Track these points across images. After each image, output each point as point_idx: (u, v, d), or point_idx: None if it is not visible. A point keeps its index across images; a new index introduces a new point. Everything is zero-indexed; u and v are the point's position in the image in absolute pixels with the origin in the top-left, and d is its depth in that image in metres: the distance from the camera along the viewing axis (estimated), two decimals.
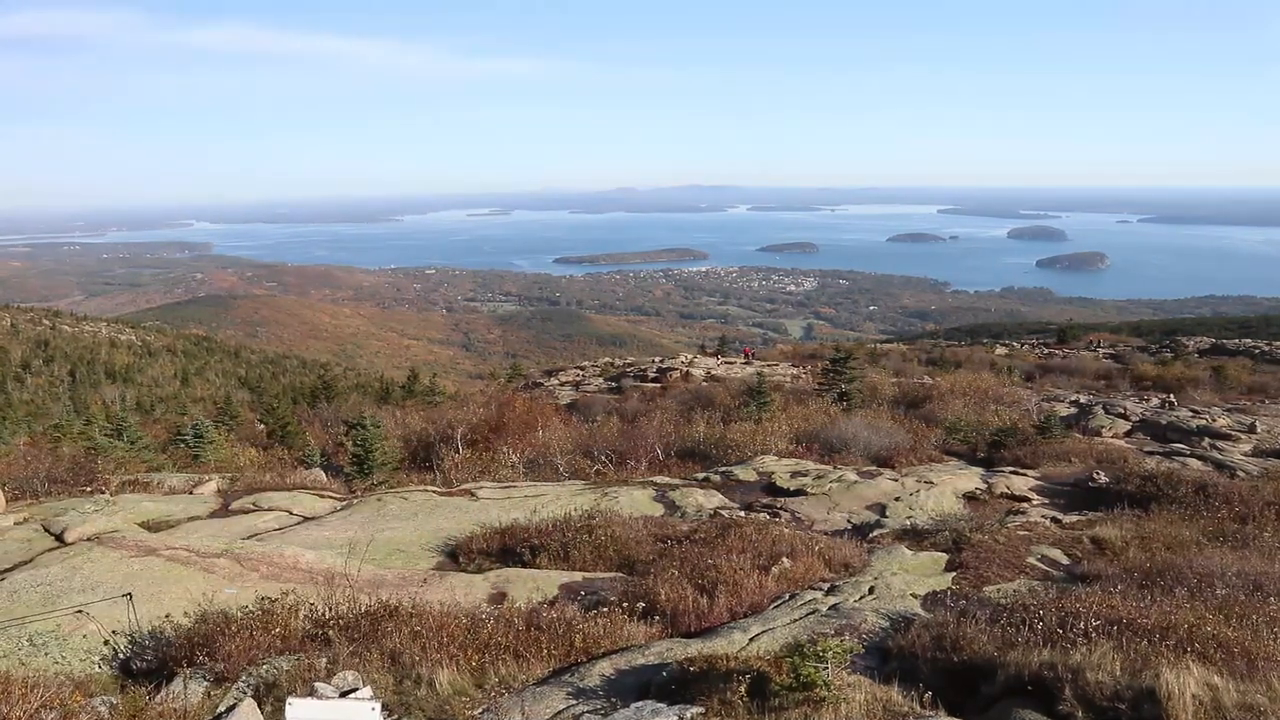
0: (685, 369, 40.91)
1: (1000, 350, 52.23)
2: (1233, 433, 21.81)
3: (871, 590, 9.38)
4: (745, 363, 45.64)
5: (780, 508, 14.97)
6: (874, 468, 18.71)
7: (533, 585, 10.06)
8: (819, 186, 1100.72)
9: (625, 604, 8.68)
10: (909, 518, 14.12)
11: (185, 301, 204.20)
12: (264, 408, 36.97)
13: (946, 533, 12.42)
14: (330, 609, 8.03)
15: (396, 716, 6.14)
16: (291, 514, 14.06)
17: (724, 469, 18.29)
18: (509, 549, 11.58)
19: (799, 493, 15.98)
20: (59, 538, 10.98)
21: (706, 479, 17.46)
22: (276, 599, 8.10)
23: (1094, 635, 6.72)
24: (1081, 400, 28.31)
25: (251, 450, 26.09)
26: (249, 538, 12.22)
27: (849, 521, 14.26)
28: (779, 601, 9.00)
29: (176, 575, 9.51)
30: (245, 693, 6.51)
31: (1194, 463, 17.97)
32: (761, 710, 5.96)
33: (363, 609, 7.98)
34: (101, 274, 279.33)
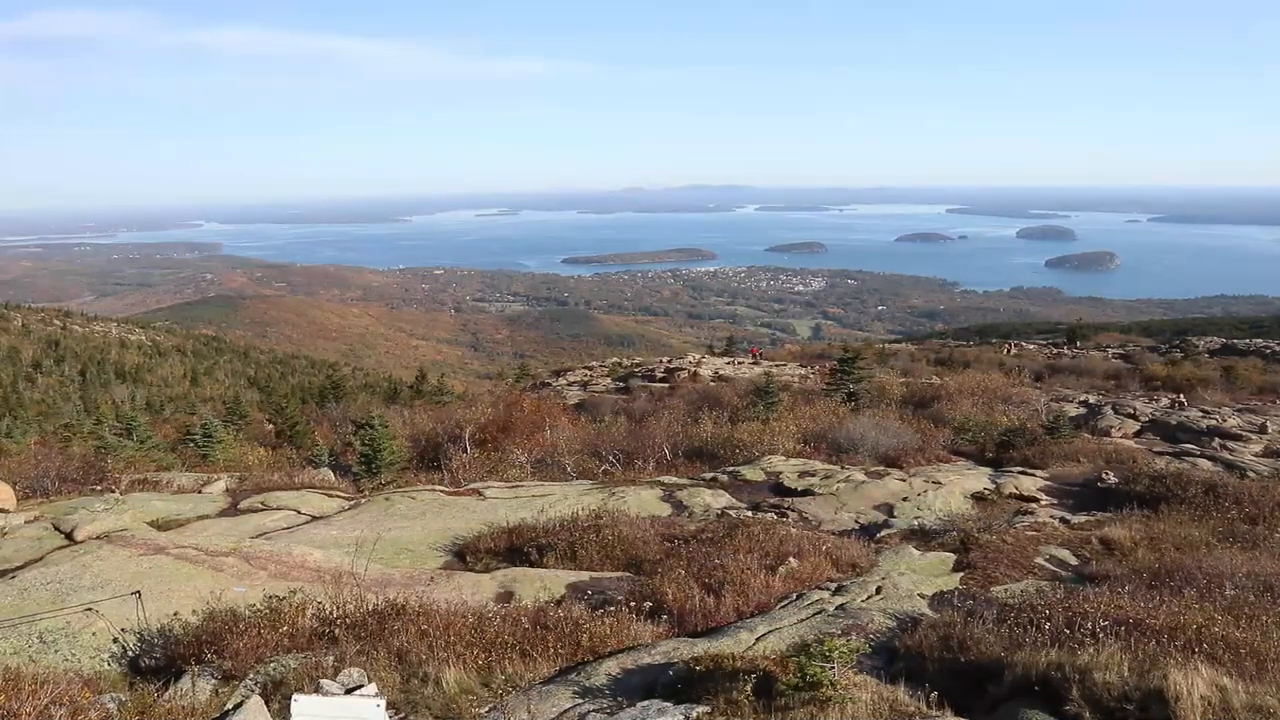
0: (693, 369, 40.87)
1: (1009, 350, 52.01)
2: (1243, 433, 21.66)
3: (879, 590, 9.36)
4: (753, 363, 45.58)
5: (788, 508, 14.95)
6: (882, 468, 18.65)
7: (540, 585, 10.08)
8: (827, 186, 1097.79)
9: (632, 603, 8.69)
10: (917, 518, 14.09)
11: (195, 302, 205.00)
12: (273, 407, 37.10)
13: (954, 533, 12.40)
14: (337, 607, 8.06)
15: (403, 715, 6.16)
16: (299, 513, 14.11)
17: (731, 469, 18.27)
18: (516, 549, 11.61)
19: (806, 493, 15.96)
20: (69, 536, 11.05)
21: (714, 479, 17.44)
22: (284, 597, 8.14)
23: (1102, 636, 6.70)
24: (1091, 400, 28.15)
25: (260, 450, 26.20)
26: (257, 536, 12.28)
27: (856, 522, 14.24)
28: (786, 601, 9.00)
29: (185, 573, 9.57)
30: (253, 690, 6.54)
31: (1204, 463, 17.87)
32: (768, 710, 5.95)
33: (370, 608, 8.00)
34: (112, 274, 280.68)
